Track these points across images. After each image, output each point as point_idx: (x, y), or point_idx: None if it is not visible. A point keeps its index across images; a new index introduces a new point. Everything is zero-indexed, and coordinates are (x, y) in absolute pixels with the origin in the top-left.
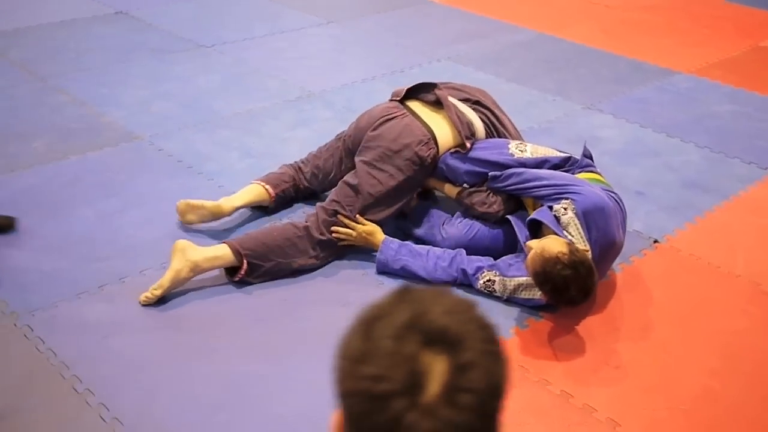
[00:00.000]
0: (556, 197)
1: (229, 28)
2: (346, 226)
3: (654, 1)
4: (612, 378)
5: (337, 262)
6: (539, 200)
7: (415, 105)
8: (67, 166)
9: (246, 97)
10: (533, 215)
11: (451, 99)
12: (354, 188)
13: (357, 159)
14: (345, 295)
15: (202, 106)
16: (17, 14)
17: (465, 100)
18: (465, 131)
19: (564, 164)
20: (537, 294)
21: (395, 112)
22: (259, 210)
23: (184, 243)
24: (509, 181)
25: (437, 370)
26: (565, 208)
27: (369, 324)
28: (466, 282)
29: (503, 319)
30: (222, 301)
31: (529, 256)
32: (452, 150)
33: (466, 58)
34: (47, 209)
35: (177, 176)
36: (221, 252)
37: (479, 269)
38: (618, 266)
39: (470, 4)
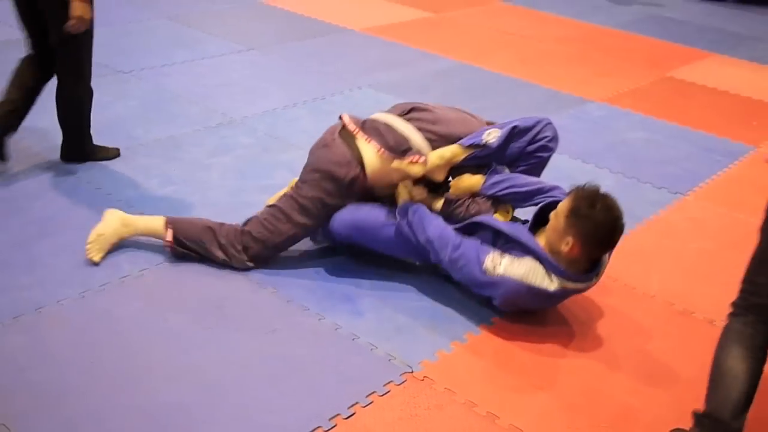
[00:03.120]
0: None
1: (148, 53)
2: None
3: (568, 32)
4: (537, 398)
5: (260, 289)
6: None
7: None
8: None
9: (166, 123)
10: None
11: (381, 118)
12: (290, 197)
13: None
14: (270, 323)
15: (120, 133)
16: None
17: (401, 115)
18: (396, 149)
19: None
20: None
21: (327, 138)
22: None
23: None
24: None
25: None
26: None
27: None
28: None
29: (429, 343)
30: (144, 331)
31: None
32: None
33: (388, 85)
34: None
35: (95, 203)
36: (152, 217)
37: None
38: None
39: (390, 33)
